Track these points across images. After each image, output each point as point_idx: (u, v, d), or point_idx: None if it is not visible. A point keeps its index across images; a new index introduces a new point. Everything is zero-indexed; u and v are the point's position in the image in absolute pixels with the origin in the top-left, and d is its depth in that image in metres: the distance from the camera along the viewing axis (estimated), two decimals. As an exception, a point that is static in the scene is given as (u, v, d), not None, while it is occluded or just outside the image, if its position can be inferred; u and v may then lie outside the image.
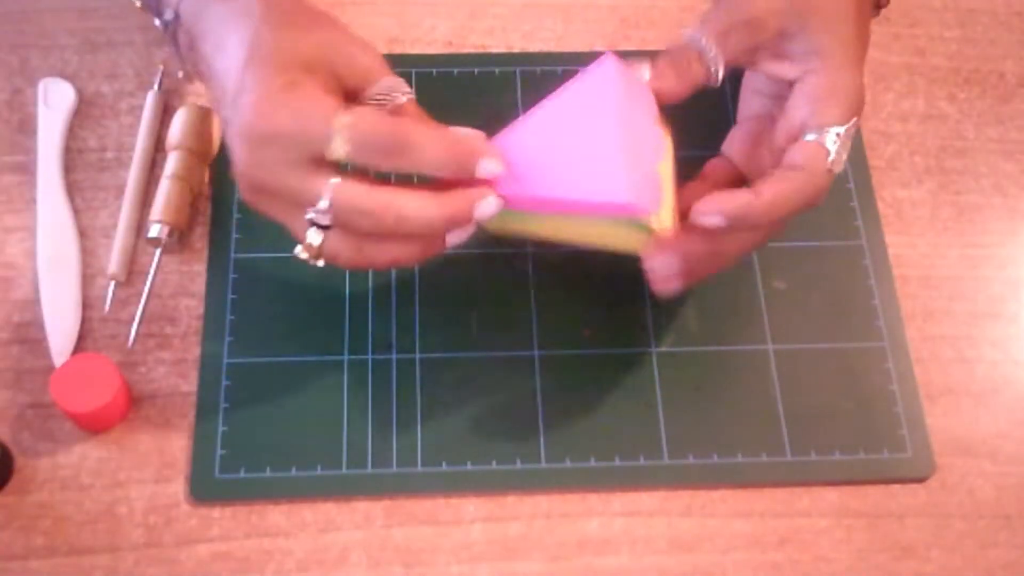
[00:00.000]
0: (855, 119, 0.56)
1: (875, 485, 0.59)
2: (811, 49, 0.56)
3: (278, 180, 0.51)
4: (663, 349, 0.62)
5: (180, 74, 0.60)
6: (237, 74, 0.51)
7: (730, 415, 0.60)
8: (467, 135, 0.52)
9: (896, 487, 0.60)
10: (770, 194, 0.53)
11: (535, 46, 0.71)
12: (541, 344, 0.61)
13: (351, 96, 0.53)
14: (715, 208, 0.53)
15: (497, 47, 0.70)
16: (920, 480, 0.60)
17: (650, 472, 0.59)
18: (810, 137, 0.54)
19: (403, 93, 0.54)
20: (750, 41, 0.57)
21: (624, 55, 0.70)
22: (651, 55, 0.56)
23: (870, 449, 0.60)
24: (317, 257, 0.53)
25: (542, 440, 0.59)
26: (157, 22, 0.58)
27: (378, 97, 0.53)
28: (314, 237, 0.52)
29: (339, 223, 0.51)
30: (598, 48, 0.71)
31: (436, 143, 0.51)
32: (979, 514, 0.59)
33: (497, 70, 0.70)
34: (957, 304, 0.64)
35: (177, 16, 0.56)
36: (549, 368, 0.61)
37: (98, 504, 0.57)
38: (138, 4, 0.61)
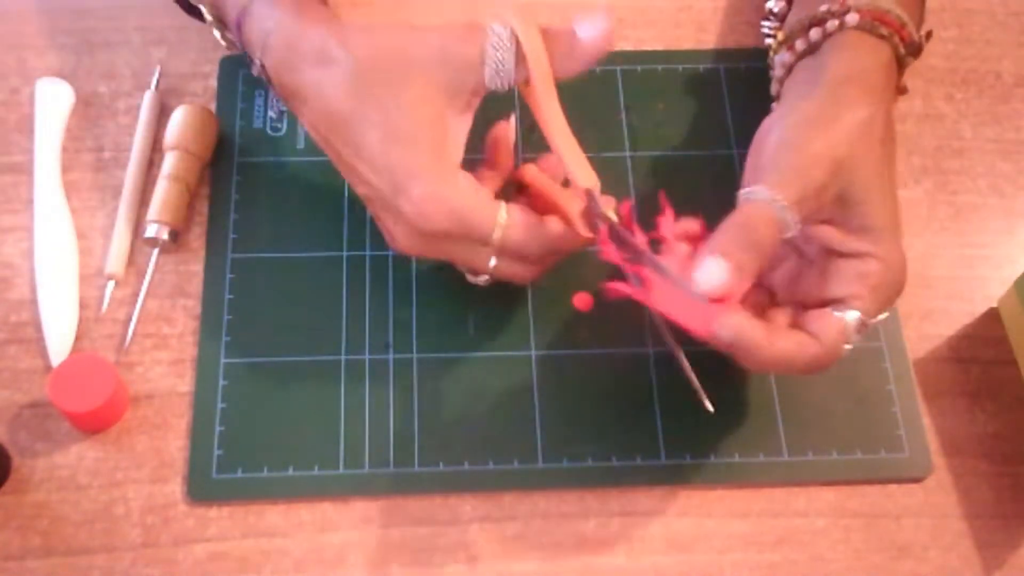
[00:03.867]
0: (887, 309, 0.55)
1: (872, 485, 0.59)
2: (866, 225, 0.54)
3: (447, 253, 0.58)
4: (660, 349, 0.62)
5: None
6: (396, 160, 0.55)
7: (727, 415, 0.60)
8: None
9: (893, 487, 0.60)
10: (780, 351, 0.52)
11: (532, 46, 0.71)
12: (538, 344, 0.61)
13: None
14: (732, 327, 0.52)
15: (494, 47, 0.70)
16: (917, 480, 0.60)
17: (647, 472, 0.59)
18: (839, 314, 0.53)
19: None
20: (817, 209, 0.54)
21: (623, 55, 0.70)
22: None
23: (867, 449, 0.60)
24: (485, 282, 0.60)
25: (539, 440, 0.59)
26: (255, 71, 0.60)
27: None
28: (477, 279, 0.60)
29: (497, 277, 0.59)
30: (595, 48, 0.71)
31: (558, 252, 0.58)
32: (976, 514, 0.59)
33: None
34: (954, 304, 0.64)
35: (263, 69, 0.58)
36: (546, 368, 0.61)
37: (95, 504, 0.57)
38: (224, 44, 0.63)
